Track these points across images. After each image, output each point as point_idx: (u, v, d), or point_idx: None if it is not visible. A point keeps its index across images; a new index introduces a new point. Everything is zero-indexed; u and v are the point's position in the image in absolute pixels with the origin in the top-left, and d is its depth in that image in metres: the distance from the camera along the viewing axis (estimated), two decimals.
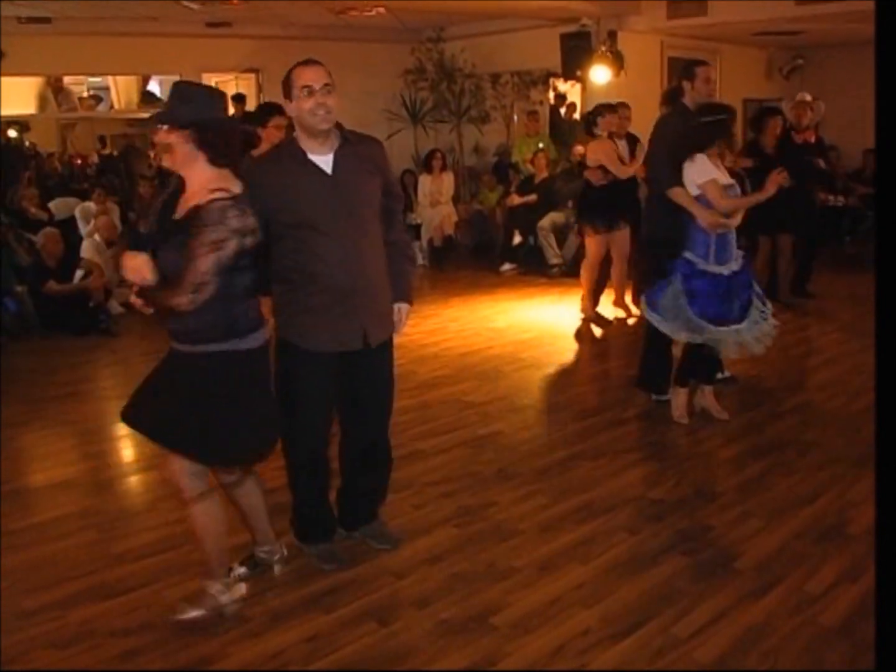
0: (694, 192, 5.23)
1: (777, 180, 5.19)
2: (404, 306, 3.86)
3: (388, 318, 3.78)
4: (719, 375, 5.94)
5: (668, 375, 5.76)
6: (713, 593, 3.61)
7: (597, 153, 7.91)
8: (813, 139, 8.74)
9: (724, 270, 5.22)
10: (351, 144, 3.56)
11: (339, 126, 3.54)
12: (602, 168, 7.82)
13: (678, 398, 5.63)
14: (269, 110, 5.52)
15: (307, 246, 3.48)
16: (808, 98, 8.75)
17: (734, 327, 5.25)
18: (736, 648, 3.27)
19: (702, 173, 5.19)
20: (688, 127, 5.34)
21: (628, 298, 8.40)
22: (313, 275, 3.51)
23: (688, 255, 5.27)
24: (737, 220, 5.29)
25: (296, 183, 3.47)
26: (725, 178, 5.25)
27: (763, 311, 5.38)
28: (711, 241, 5.23)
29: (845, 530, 4.12)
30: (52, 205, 10.75)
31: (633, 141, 8.34)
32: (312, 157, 3.49)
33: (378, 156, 3.71)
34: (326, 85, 3.41)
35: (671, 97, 6.51)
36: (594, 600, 3.59)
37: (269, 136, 5.43)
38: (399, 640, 3.36)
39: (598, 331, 8.13)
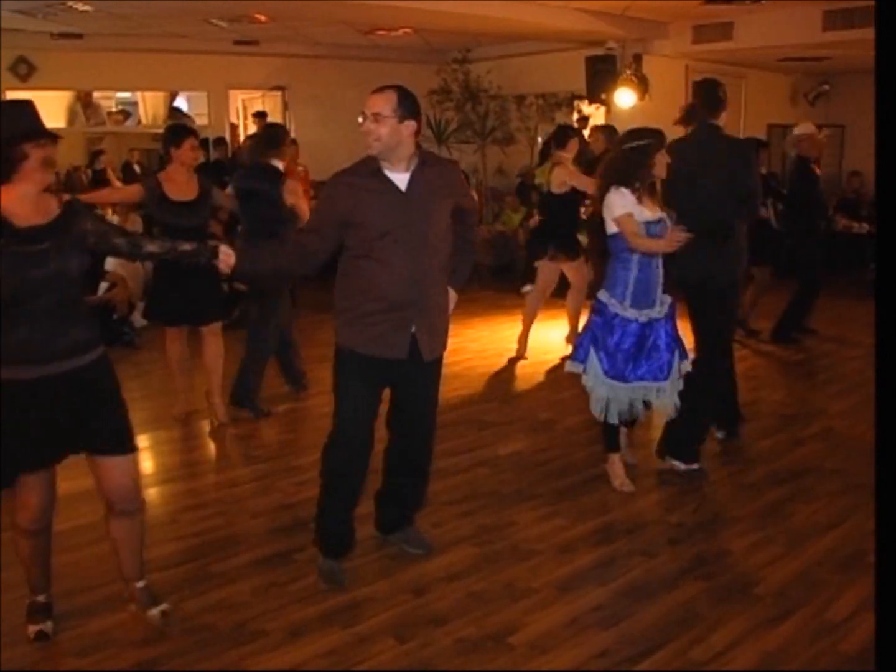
0: (611, 228, 4.64)
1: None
2: (452, 294, 4.00)
3: (442, 336, 3.91)
4: (681, 466, 5.11)
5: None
6: (731, 618, 3.60)
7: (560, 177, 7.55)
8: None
9: (641, 317, 4.62)
10: (428, 166, 3.74)
11: (418, 147, 3.73)
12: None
13: (615, 466, 4.98)
14: (182, 132, 5.86)
15: (373, 256, 3.63)
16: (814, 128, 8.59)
17: (644, 384, 4.66)
18: None
19: (619, 206, 4.59)
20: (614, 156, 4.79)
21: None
22: (373, 283, 3.65)
23: (602, 295, 4.74)
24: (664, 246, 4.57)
25: (371, 196, 3.63)
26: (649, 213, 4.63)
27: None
28: (631, 280, 4.64)
29: (866, 558, 4.09)
30: None
31: None
32: (390, 174, 3.66)
33: (454, 178, 3.90)
34: (375, 114, 3.59)
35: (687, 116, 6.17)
36: (612, 622, 3.58)
37: (183, 156, 5.68)
38: (416, 657, 3.37)
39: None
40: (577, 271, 7.80)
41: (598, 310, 4.72)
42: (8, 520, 3.53)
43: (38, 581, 3.52)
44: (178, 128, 6.24)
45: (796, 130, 8.43)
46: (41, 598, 3.53)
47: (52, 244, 3.12)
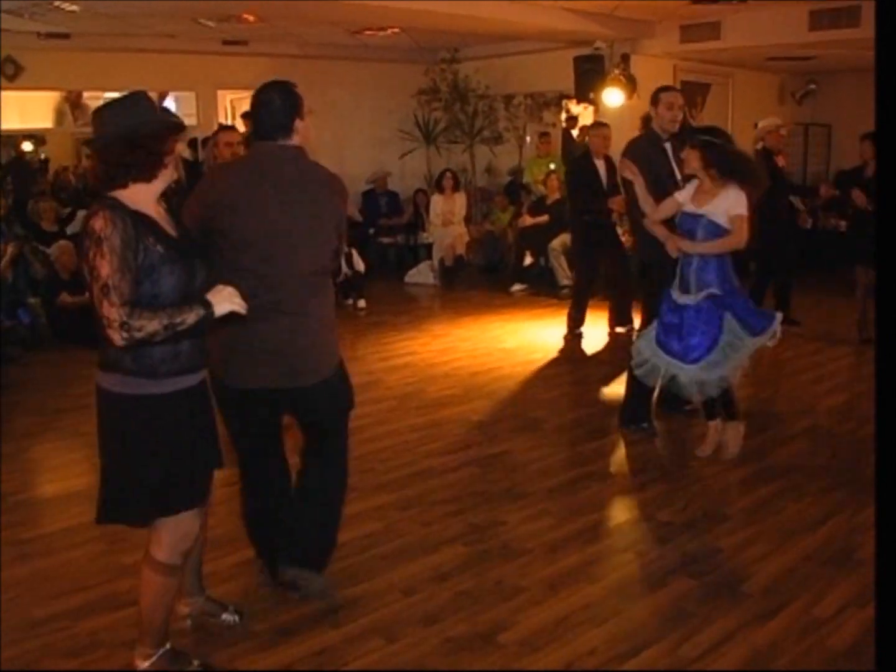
0: (722, 219, 4.94)
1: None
2: None
3: None
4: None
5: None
6: (720, 615, 3.61)
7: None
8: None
9: (688, 300, 5.03)
10: None
11: None
12: None
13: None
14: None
15: None
16: (780, 122, 8.84)
17: (675, 362, 5.07)
18: (743, 671, 3.27)
19: (739, 205, 4.91)
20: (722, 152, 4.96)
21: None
22: None
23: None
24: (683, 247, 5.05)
25: None
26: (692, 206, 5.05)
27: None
28: (679, 263, 5.13)
29: (854, 555, 4.11)
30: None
31: (609, 162, 8.24)
32: None
33: None
34: None
35: (645, 122, 6.45)
36: (601, 620, 3.59)
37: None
38: (406, 656, 3.37)
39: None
40: None
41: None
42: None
43: (165, 627, 3.21)
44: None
45: (761, 124, 8.66)
46: (169, 646, 3.23)
47: (196, 255, 2.96)
